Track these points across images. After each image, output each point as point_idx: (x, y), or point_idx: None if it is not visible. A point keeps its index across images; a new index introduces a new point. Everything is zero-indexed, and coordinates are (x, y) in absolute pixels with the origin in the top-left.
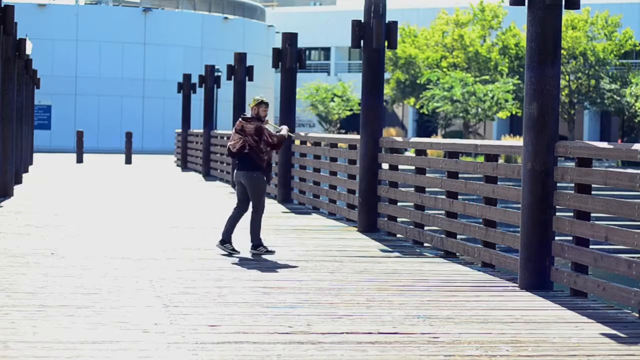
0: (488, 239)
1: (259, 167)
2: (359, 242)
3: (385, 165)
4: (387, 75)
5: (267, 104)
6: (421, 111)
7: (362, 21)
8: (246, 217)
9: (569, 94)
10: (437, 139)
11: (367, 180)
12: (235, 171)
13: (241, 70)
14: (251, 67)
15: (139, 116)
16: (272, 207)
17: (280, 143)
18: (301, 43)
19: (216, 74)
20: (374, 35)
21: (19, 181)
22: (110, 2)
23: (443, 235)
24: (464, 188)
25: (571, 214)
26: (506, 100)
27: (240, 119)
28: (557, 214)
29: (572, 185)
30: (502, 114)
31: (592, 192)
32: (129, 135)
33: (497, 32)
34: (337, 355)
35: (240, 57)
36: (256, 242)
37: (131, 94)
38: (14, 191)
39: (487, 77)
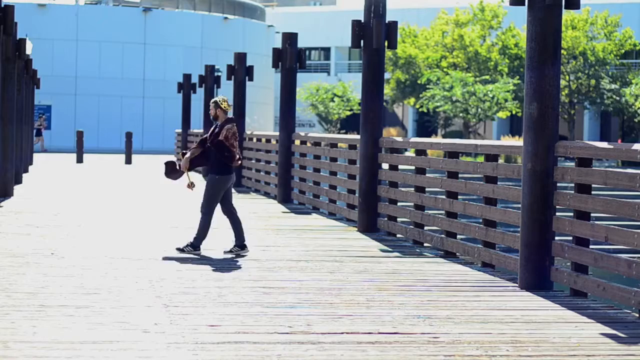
0: (488, 239)
1: None
2: (359, 242)
3: (385, 166)
4: (387, 75)
5: (213, 103)
6: (421, 109)
7: (362, 21)
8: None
9: (569, 94)
10: (437, 139)
11: (367, 181)
12: (232, 175)
13: (241, 70)
14: (251, 67)
15: (139, 116)
16: (272, 207)
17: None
18: (301, 43)
19: (216, 74)
20: (374, 35)
21: (19, 181)
22: (110, 2)
23: (443, 235)
24: (464, 188)
25: (571, 214)
26: (506, 100)
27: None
28: (557, 214)
29: (572, 185)
30: (502, 114)
31: (592, 192)
32: (129, 135)
33: (497, 32)
34: (337, 355)
35: (240, 57)
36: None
37: (131, 94)
38: (14, 191)
39: (487, 77)
